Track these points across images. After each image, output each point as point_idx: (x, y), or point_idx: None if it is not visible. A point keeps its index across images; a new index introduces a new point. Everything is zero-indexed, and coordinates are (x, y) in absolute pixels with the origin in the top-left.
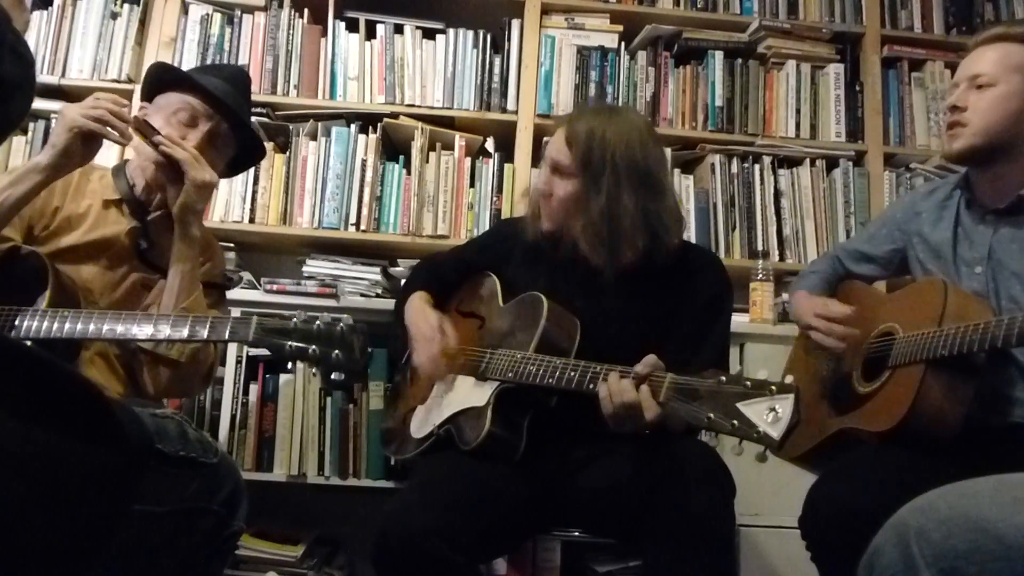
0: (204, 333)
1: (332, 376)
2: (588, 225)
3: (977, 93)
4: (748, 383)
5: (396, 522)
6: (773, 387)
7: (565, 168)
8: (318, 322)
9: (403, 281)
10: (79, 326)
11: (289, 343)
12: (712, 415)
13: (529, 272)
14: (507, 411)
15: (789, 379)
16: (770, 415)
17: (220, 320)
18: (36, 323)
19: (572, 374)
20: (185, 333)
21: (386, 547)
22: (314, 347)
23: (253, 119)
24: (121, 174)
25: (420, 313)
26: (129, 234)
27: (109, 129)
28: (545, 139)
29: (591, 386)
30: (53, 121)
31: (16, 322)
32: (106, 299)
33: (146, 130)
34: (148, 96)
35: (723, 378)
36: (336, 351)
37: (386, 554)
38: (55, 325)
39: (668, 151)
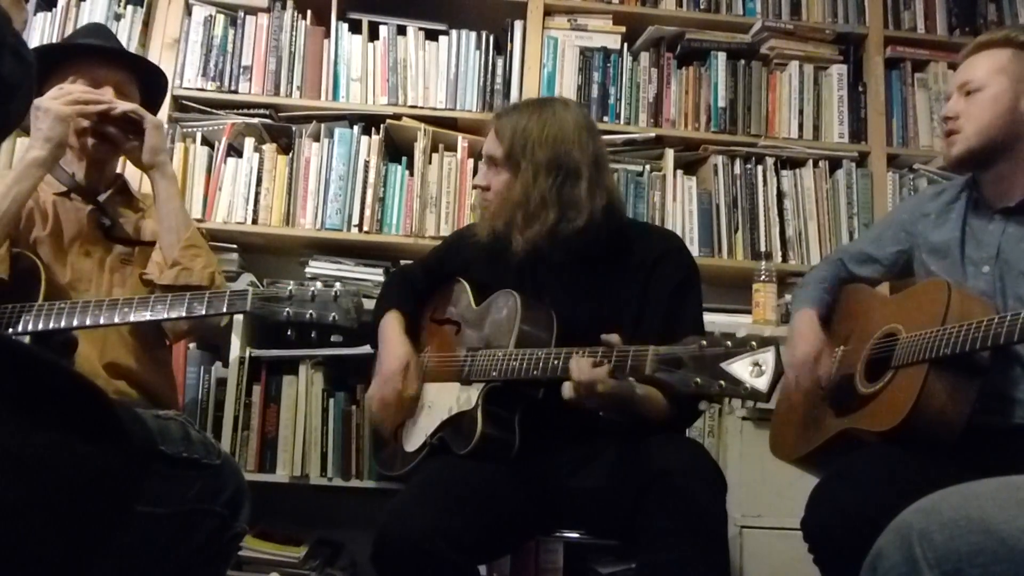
0: (202, 310)
1: (331, 338)
2: (508, 207)
3: (967, 100)
4: (729, 343)
5: (395, 522)
6: (753, 343)
7: (497, 160)
8: (313, 288)
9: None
10: (75, 319)
11: (287, 309)
12: (699, 380)
13: (492, 273)
14: (497, 410)
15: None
16: (755, 370)
17: (217, 295)
18: (34, 320)
19: (556, 362)
20: (183, 311)
21: (386, 547)
22: (311, 312)
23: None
24: (56, 168)
25: (390, 344)
26: (90, 218)
27: (92, 107)
28: None
29: None
30: None
31: (15, 321)
32: (96, 285)
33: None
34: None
35: (704, 342)
36: (333, 314)
37: (386, 554)
38: (51, 321)
39: (670, 152)
